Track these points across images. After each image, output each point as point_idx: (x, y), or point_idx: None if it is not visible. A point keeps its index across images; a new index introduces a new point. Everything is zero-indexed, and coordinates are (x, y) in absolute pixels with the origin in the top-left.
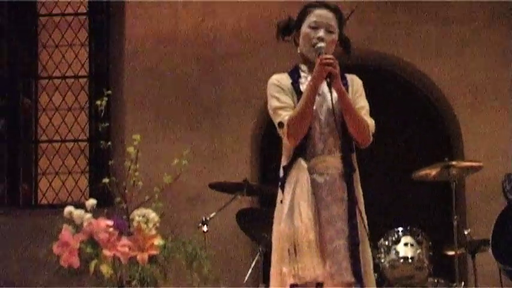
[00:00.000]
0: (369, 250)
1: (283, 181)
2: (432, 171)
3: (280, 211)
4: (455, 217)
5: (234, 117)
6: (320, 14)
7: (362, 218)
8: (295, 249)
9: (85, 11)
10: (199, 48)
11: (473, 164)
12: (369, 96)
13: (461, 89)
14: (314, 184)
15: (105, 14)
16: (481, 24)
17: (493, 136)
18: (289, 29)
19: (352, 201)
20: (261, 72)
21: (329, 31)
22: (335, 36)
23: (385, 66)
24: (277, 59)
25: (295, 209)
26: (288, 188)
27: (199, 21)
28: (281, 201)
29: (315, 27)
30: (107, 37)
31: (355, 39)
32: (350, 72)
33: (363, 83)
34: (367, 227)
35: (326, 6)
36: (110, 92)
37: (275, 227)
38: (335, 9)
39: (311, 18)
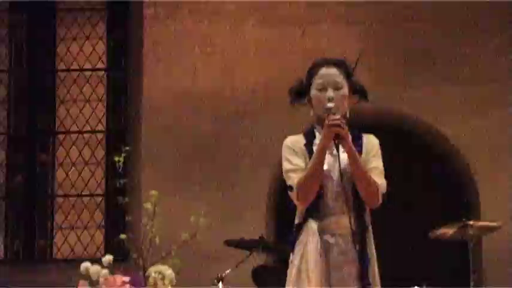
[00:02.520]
0: None
1: (294, 242)
2: (449, 231)
3: (290, 272)
4: (472, 277)
5: (250, 175)
6: (324, 74)
7: (375, 279)
8: None
9: (103, 66)
10: (217, 106)
11: (491, 224)
12: (386, 156)
13: (480, 149)
14: (325, 245)
15: (123, 70)
16: (501, 85)
17: (510, 196)
18: (302, 92)
19: (364, 261)
20: (277, 131)
21: (337, 88)
22: (344, 91)
23: (401, 125)
24: (293, 118)
25: (303, 271)
26: (297, 250)
27: (217, 78)
28: (291, 262)
29: (322, 89)
30: (124, 93)
31: (373, 97)
32: (367, 131)
33: (380, 141)
34: (379, 287)
35: (328, 63)
36: (128, 147)
37: None
38: (338, 63)
39: (317, 81)
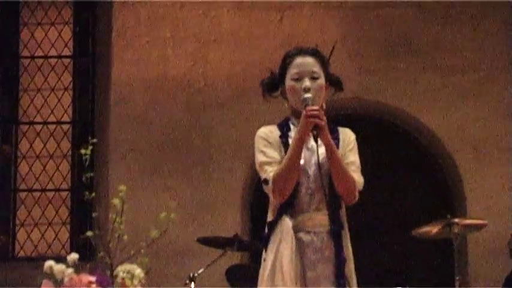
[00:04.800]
0: None
1: (267, 239)
2: (433, 229)
3: (263, 270)
4: (457, 277)
5: (225, 167)
6: (300, 64)
7: (351, 278)
8: None
9: (69, 53)
10: (190, 95)
11: (477, 221)
12: (367, 149)
13: (464, 142)
14: (300, 243)
15: (91, 57)
16: (483, 75)
17: (496, 192)
18: (274, 84)
19: (339, 261)
20: (254, 121)
21: (313, 78)
22: (321, 81)
23: (384, 116)
24: (270, 107)
25: (277, 270)
26: (271, 247)
27: (190, 66)
28: (264, 260)
29: (298, 79)
30: (92, 81)
31: (353, 88)
32: (346, 121)
33: (361, 134)
34: (355, 287)
35: (304, 52)
36: (95, 140)
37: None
38: (314, 53)
39: (292, 70)
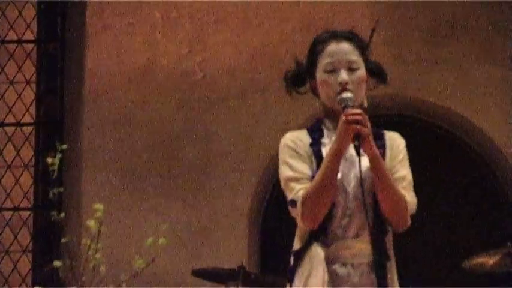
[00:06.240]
0: None
1: (293, 272)
2: (490, 260)
3: None
4: None
5: (227, 181)
6: (334, 52)
7: None
8: None
9: (33, 37)
10: (184, 90)
11: None
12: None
13: None
14: (334, 277)
15: (59, 42)
16: None
17: None
18: (301, 77)
19: None
20: (265, 123)
21: (352, 68)
22: (361, 72)
23: (427, 118)
24: (284, 105)
25: None
26: (298, 283)
27: (185, 53)
28: None
29: (332, 70)
30: (60, 73)
31: (390, 83)
32: (380, 124)
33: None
34: None
35: (337, 36)
36: (64, 146)
37: None
38: (350, 37)
39: (324, 60)
